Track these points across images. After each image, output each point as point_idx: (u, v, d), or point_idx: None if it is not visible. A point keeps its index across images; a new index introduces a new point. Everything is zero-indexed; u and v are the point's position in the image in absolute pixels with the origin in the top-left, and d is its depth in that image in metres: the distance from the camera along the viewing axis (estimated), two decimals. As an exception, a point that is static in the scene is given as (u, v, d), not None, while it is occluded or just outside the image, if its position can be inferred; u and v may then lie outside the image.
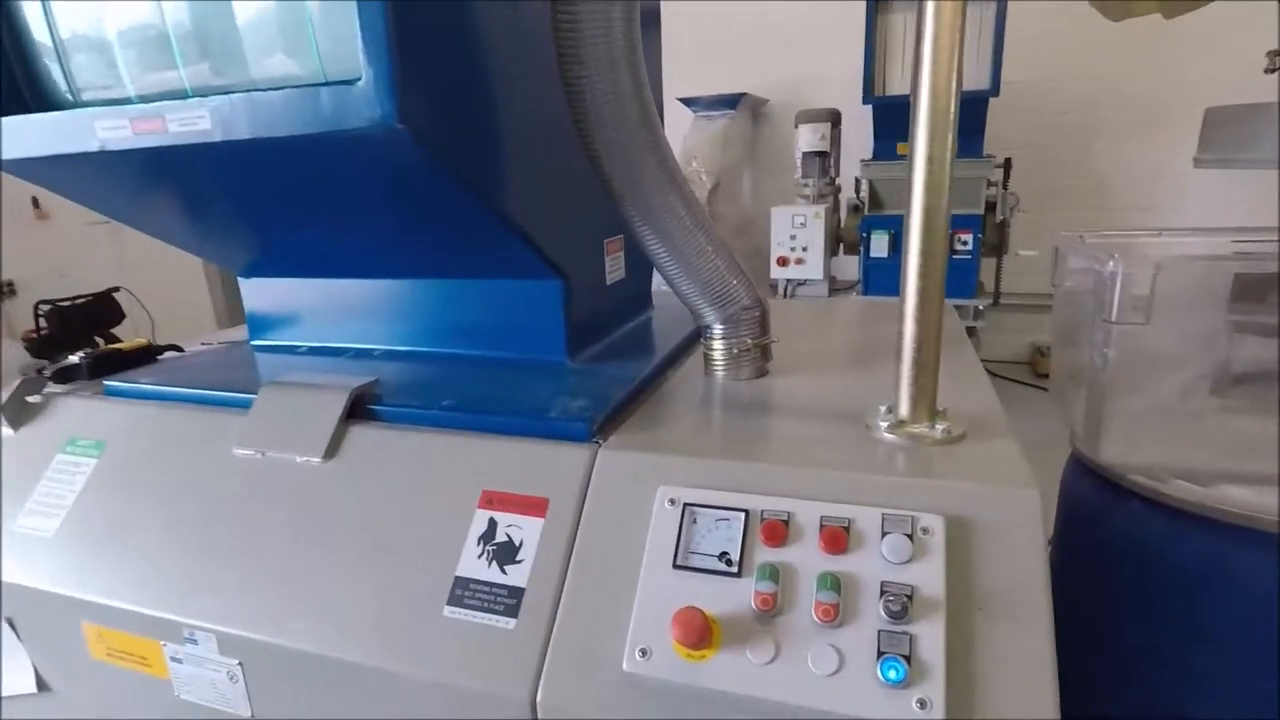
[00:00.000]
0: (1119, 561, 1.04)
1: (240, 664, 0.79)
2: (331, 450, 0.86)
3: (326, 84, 0.74)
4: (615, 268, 1.20)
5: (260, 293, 1.19)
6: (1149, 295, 0.96)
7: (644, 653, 0.63)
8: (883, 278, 3.84)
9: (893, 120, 3.75)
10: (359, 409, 0.90)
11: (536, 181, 0.95)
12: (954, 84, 0.67)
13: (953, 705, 0.55)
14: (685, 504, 0.69)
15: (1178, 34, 2.10)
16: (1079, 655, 1.15)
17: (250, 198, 0.96)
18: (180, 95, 0.84)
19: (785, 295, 4.09)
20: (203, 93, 0.83)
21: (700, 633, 0.59)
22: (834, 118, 3.92)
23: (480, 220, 0.87)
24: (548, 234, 0.95)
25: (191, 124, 0.80)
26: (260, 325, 1.21)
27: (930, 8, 0.66)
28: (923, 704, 0.55)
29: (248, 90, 0.79)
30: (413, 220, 0.95)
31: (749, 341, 0.97)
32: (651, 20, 1.32)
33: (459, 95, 0.80)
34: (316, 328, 1.17)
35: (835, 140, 3.95)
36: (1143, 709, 1.04)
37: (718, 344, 0.98)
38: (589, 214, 1.07)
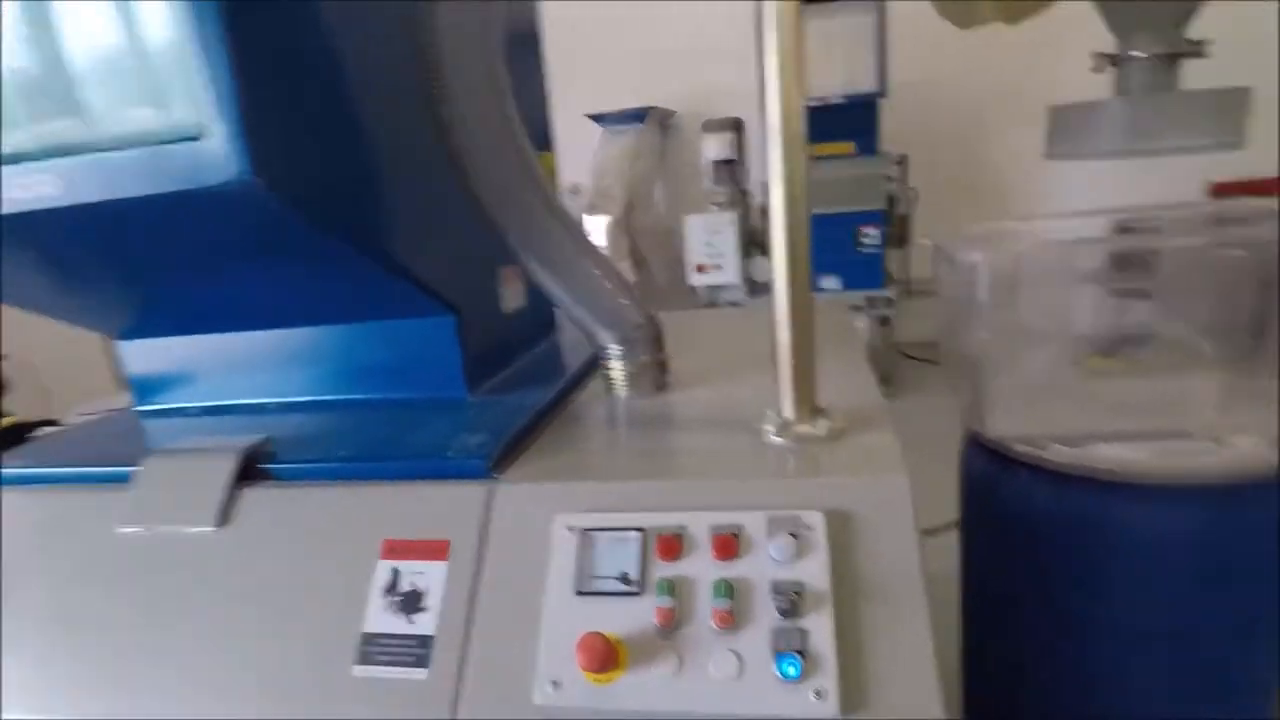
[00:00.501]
0: (1014, 528, 1.11)
1: (142, 753, 0.75)
2: (224, 517, 0.83)
3: (178, 140, 0.72)
4: (514, 296, 1.20)
5: (141, 355, 1.14)
6: (1013, 279, 1.03)
7: (555, 684, 0.63)
8: (796, 276, 3.95)
9: (791, 124, 3.87)
10: (251, 470, 0.87)
11: (417, 218, 0.95)
12: (799, 106, 0.70)
13: (845, 691, 0.58)
14: (582, 529, 0.69)
15: (1051, 33, 2.28)
16: (991, 620, 1.21)
17: (113, 258, 0.92)
18: (27, 157, 0.80)
19: (708, 302, 4.16)
20: (51, 153, 0.79)
21: (603, 656, 0.60)
22: (737, 125, 4.02)
23: (358, 264, 0.86)
24: (434, 270, 0.94)
25: (36, 188, 0.76)
26: (145, 389, 1.15)
27: (770, 37, 0.69)
28: (819, 694, 0.58)
29: (98, 149, 0.76)
30: (290, 269, 0.93)
31: (645, 359, 0.98)
32: (529, 43, 1.34)
33: (319, 141, 0.79)
34: (206, 386, 1.13)
35: (742, 147, 4.06)
36: (1045, 657, 1.10)
37: (615, 364, 0.99)
38: (480, 244, 1.06)
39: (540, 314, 1.31)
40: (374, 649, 0.71)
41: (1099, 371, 1.15)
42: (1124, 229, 1.31)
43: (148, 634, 0.78)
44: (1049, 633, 1.09)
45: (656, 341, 0.99)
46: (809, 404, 0.78)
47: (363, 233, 0.83)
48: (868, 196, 3.75)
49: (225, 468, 0.85)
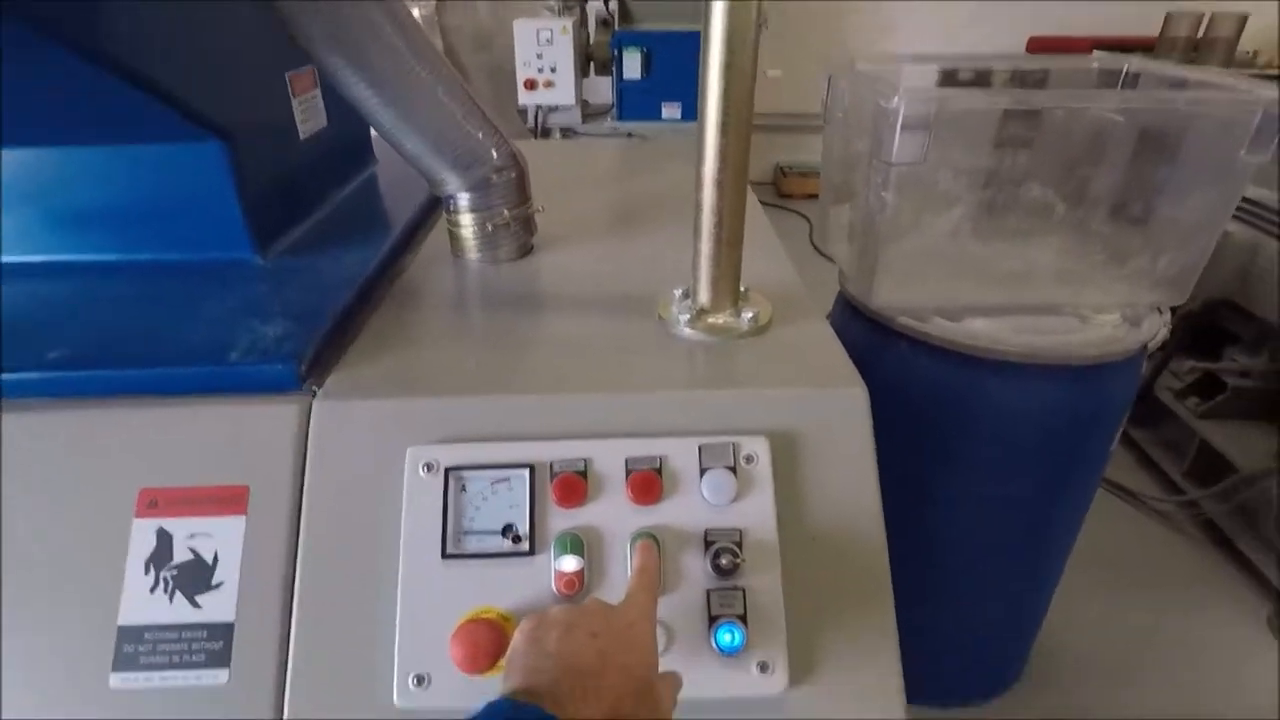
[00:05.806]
0: (888, 400, 1.07)
1: None
2: None
3: None
4: (310, 113, 0.88)
5: None
6: (928, 133, 0.90)
7: (420, 680, 0.47)
8: (637, 101, 3.66)
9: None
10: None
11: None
12: None
13: (795, 660, 0.48)
14: (447, 468, 0.51)
15: None
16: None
17: None
18: None
19: (537, 124, 3.76)
20: None
21: (492, 652, 0.45)
22: (572, -93, 3.43)
23: (68, 63, 0.53)
24: (185, 73, 0.62)
25: None
26: None
27: None
28: (764, 667, 0.47)
29: None
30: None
31: (506, 213, 0.75)
32: None
33: None
34: None
35: (580, -65, 3.50)
36: (908, 533, 1.13)
37: (466, 219, 0.76)
38: (259, 39, 0.74)
39: (350, 138, 0.99)
40: (140, 648, 0.50)
41: (995, 244, 1.09)
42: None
43: None
44: (904, 501, 1.11)
45: (521, 189, 0.76)
46: (733, 288, 0.62)
47: (66, 17, 0.50)
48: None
49: None
